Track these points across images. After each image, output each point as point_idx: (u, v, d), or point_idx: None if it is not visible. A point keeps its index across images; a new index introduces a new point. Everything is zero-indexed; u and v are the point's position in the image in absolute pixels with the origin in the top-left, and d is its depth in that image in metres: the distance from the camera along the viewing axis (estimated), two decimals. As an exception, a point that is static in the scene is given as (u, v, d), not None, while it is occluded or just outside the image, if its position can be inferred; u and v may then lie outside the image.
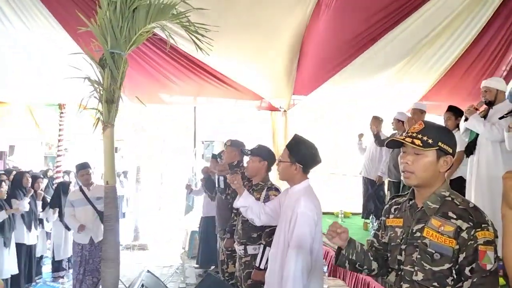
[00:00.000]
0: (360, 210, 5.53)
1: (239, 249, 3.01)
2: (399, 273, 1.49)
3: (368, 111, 5.71)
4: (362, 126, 5.94)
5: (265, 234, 2.76)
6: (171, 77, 5.58)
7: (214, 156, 5.26)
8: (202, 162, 9.19)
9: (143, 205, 9.27)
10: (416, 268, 1.41)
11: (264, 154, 3.09)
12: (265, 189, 2.91)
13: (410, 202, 1.52)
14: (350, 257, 1.58)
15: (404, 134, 1.52)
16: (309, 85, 5.30)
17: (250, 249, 2.92)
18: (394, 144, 1.51)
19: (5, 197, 4.34)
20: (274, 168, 2.78)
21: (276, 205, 2.48)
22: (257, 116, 7.20)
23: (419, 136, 1.42)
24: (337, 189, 6.71)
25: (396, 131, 5.01)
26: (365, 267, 1.61)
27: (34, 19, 4.43)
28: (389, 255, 1.57)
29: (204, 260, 5.57)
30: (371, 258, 1.62)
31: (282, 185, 2.88)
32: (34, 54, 5.01)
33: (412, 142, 1.41)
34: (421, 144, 1.40)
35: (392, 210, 1.60)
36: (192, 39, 3.18)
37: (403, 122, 4.83)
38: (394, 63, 4.85)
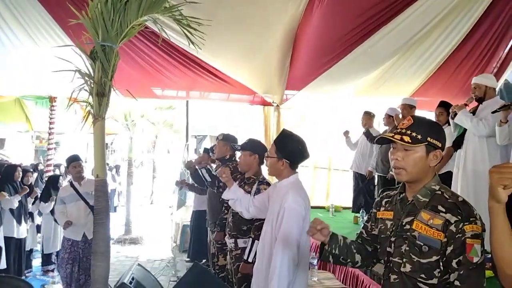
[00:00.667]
0: (351, 204, 5.59)
1: (229, 242, 3.03)
2: (388, 264, 1.52)
3: (361, 106, 5.75)
4: (354, 121, 5.98)
5: (254, 227, 2.78)
6: (164, 71, 5.55)
7: (205, 150, 5.26)
8: (195, 157, 9.18)
9: (135, 199, 9.24)
10: (404, 259, 1.44)
11: (255, 148, 3.10)
12: (256, 182, 2.93)
13: (401, 196, 1.54)
14: (333, 251, 1.60)
15: (393, 130, 1.54)
16: (302, 80, 5.31)
17: (241, 242, 2.94)
18: (384, 140, 1.53)
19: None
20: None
21: (265, 198, 2.48)
22: (250, 110, 7.20)
23: (408, 132, 1.44)
24: (328, 183, 6.76)
25: (387, 127, 5.06)
26: (348, 260, 1.64)
27: (24, 10, 4.37)
28: (378, 247, 1.60)
29: (195, 254, 5.58)
30: (354, 251, 1.65)
31: (274, 179, 2.89)
32: (23, 46, 4.94)
33: (401, 139, 1.43)
34: (410, 141, 1.42)
35: (383, 203, 1.63)
36: (184, 33, 3.16)
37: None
38: (386, 58, 4.89)
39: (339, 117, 6.90)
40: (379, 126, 5.73)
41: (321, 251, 1.64)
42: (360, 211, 4.79)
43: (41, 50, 4.91)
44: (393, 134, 1.46)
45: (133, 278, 2.77)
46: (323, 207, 5.74)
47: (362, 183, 5.37)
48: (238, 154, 3.64)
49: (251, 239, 2.76)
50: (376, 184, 5.31)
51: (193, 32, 3.18)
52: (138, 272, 2.98)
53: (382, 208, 1.61)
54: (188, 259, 5.79)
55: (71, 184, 4.16)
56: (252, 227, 2.81)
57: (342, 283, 3.07)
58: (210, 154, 4.56)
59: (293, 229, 2.11)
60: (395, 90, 5.79)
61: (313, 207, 5.87)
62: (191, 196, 6.35)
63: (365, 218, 4.24)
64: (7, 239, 4.57)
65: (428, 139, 1.43)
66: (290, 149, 2.28)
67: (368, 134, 5.30)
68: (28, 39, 4.78)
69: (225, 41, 4.70)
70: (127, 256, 6.44)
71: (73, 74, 2.98)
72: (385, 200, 1.63)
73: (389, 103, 5.68)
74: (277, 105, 6.26)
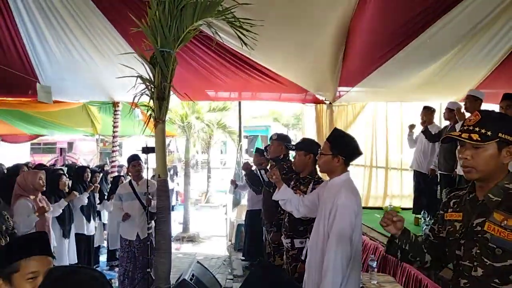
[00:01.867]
0: (410, 205, 5.33)
1: (286, 242, 3.03)
2: (457, 268, 1.44)
3: (419, 101, 5.47)
4: (413, 116, 5.70)
5: (311, 227, 2.76)
6: (217, 73, 5.69)
7: (258, 150, 5.32)
8: (246, 157, 9.33)
9: (191, 199, 9.58)
10: (475, 263, 1.35)
11: (309, 148, 3.09)
12: (312, 182, 2.91)
13: (470, 196, 1.45)
14: (403, 246, 1.55)
15: (459, 128, 1.44)
16: (356, 76, 5.15)
17: (297, 243, 2.93)
18: (450, 139, 1.44)
19: (66, 189, 4.64)
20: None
21: (315, 197, 2.50)
22: (302, 109, 7.15)
23: (476, 129, 1.35)
24: (386, 183, 6.49)
25: (448, 122, 4.77)
26: (417, 258, 1.57)
27: (89, 21, 4.70)
28: (446, 250, 1.52)
29: (251, 253, 5.65)
30: (425, 251, 1.58)
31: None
32: (89, 55, 5.32)
33: (469, 138, 1.34)
34: (479, 138, 1.33)
35: (451, 204, 1.54)
36: (238, 35, 3.21)
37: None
38: (447, 50, 4.57)
39: (396, 113, 6.62)
40: (441, 122, 5.40)
41: (389, 244, 1.59)
42: (422, 212, 4.54)
43: (105, 58, 5.27)
44: (460, 133, 1.38)
45: (193, 275, 2.88)
46: (380, 208, 5.54)
47: (423, 183, 5.08)
48: (292, 153, 3.64)
49: (308, 239, 2.74)
50: (439, 183, 5.00)
51: (245, 33, 3.24)
52: (197, 269, 3.09)
53: (450, 209, 1.53)
54: (243, 258, 5.89)
55: (130, 183, 4.38)
56: (308, 228, 2.79)
57: (404, 287, 2.93)
58: (265, 154, 4.59)
59: (346, 225, 2.12)
60: (456, 83, 5.43)
61: (370, 208, 5.74)
62: (245, 195, 6.45)
63: (428, 219, 4.03)
64: (78, 236, 4.94)
65: (500, 134, 1.32)
66: (345, 146, 2.30)
67: (427, 133, 4.99)
68: (93, 48, 5.15)
69: (276, 40, 4.70)
70: (185, 253, 6.68)
71: (135, 80, 3.17)
72: (453, 200, 1.54)
73: (450, 97, 5.36)
74: (330, 103, 6.16)
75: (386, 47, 4.33)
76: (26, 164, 6.35)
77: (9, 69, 5.35)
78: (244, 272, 5.46)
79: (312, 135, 6.19)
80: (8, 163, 7.33)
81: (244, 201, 6.76)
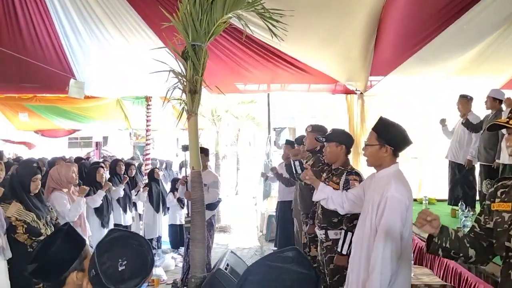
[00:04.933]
0: (446, 196, 5.18)
1: (320, 233, 3.02)
2: (508, 260, 1.39)
3: (457, 89, 5.26)
4: (449, 105, 5.49)
5: (346, 219, 2.73)
6: (245, 65, 5.69)
7: (288, 142, 5.31)
8: (274, 149, 9.33)
9: (222, 190, 9.68)
10: None
11: (340, 138, 3.04)
12: (345, 173, 2.87)
13: None
14: (444, 244, 1.51)
15: (507, 115, 1.38)
16: (389, 64, 5.01)
17: (332, 234, 2.92)
18: (496, 127, 1.38)
19: (104, 181, 4.82)
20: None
21: (360, 191, 2.40)
22: (331, 100, 7.05)
23: None
24: (420, 174, 6.32)
25: (490, 111, 4.57)
26: (461, 254, 1.53)
27: (122, 18, 4.83)
28: (494, 241, 1.47)
29: (282, 244, 5.67)
30: (468, 245, 1.52)
31: (363, 170, 2.80)
32: (122, 51, 5.47)
33: None
34: None
35: (499, 193, 1.48)
36: (268, 26, 3.20)
37: (499, 100, 4.37)
38: (487, 34, 4.36)
39: (431, 102, 6.40)
40: (481, 111, 5.16)
41: (428, 243, 1.55)
42: (459, 204, 4.40)
43: (137, 54, 5.39)
44: (508, 119, 1.32)
45: (227, 264, 2.93)
46: (415, 200, 5.40)
47: (459, 174, 4.91)
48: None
49: (343, 231, 2.72)
50: (479, 174, 4.82)
51: (275, 24, 3.22)
52: (231, 258, 3.14)
53: (498, 200, 1.47)
54: (275, 248, 5.93)
55: None
56: (343, 219, 2.77)
57: (442, 279, 2.85)
58: (299, 146, 4.57)
59: (396, 219, 2.02)
60: (497, 69, 5.17)
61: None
62: (275, 187, 6.47)
63: (466, 211, 3.90)
64: (116, 226, 5.14)
65: None
66: (393, 135, 2.18)
67: (468, 124, 4.80)
68: (125, 43, 5.28)
69: (305, 29, 4.64)
70: (218, 243, 6.79)
71: (168, 74, 3.23)
72: (501, 190, 1.48)
73: (491, 84, 5.10)
74: (361, 93, 6.03)
75: (421, 33, 4.18)
76: (62, 158, 6.64)
77: (48, 67, 5.59)
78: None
79: (341, 126, 6.09)
80: (47, 157, 7.71)
81: (274, 193, 6.78)
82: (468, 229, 1.57)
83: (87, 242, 1.63)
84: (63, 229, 1.49)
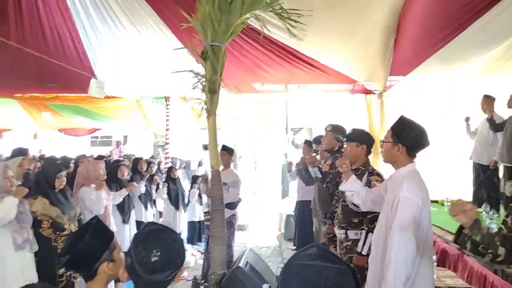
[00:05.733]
0: (469, 198, 5.06)
1: (339, 233, 3.00)
2: None
3: (480, 88, 5.13)
4: (471, 106, 5.38)
5: (367, 220, 2.71)
6: (263, 66, 5.70)
7: (306, 142, 5.29)
8: (292, 149, 9.31)
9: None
10: None
11: (361, 138, 3.02)
12: (366, 174, 2.85)
13: None
14: (474, 237, 1.48)
15: None
16: (409, 63, 4.92)
17: (352, 234, 2.90)
18: None
19: (126, 178, 4.93)
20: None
21: (382, 191, 2.41)
22: (350, 100, 6.97)
23: None
24: (442, 175, 6.19)
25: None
26: (489, 251, 1.49)
27: (142, 19, 4.90)
28: None
29: (301, 243, 5.68)
30: (498, 243, 1.49)
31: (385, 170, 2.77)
32: (142, 51, 5.56)
33: None
34: None
35: None
36: (286, 26, 3.19)
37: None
38: (512, 32, 4.23)
39: (452, 102, 6.26)
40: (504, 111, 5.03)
41: (458, 234, 1.53)
42: (483, 206, 4.30)
43: (156, 54, 5.47)
44: None
45: (247, 262, 2.94)
46: (436, 201, 5.30)
47: (483, 175, 4.80)
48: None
49: (364, 231, 2.70)
50: (502, 175, 4.70)
51: (293, 24, 3.21)
52: (250, 256, 3.15)
53: None
54: (294, 247, 5.92)
55: None
56: (364, 219, 2.74)
57: (466, 282, 2.79)
58: (314, 146, 4.55)
59: (408, 219, 2.02)
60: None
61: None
62: (293, 186, 6.46)
63: (490, 213, 3.81)
64: (138, 223, 5.22)
65: None
66: (407, 134, 2.19)
67: (491, 122, 4.69)
68: (145, 44, 5.36)
69: (322, 29, 4.60)
70: (236, 241, 6.83)
71: (187, 74, 3.27)
72: None
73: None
74: (380, 93, 5.95)
75: (443, 31, 4.09)
76: (84, 156, 6.80)
77: (69, 67, 5.73)
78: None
79: (360, 126, 6.03)
80: (70, 156, 7.89)
81: (292, 192, 6.77)
82: (497, 230, 1.53)
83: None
84: (92, 223, 1.55)
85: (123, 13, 4.88)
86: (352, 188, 2.57)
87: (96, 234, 1.50)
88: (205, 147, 4.37)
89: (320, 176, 3.66)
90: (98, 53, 5.77)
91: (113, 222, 4.25)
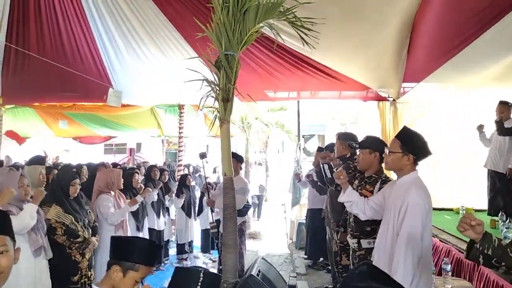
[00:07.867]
0: (484, 206, 4.97)
1: (352, 242, 2.98)
2: None
3: (495, 95, 5.07)
4: (485, 113, 5.31)
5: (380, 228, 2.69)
6: (275, 73, 5.74)
7: (319, 149, 5.28)
8: (304, 156, 9.30)
9: (251, 197, 9.74)
10: None
11: (374, 146, 3.01)
12: (379, 181, 2.84)
13: None
14: (486, 251, 1.47)
15: None
16: (423, 70, 4.89)
17: (365, 243, 2.88)
18: None
19: (139, 186, 4.99)
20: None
21: (380, 198, 2.48)
22: (363, 107, 6.96)
23: None
24: (457, 182, 6.10)
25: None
26: (502, 264, 1.48)
27: (157, 29, 5.01)
28: None
29: (313, 252, 5.64)
30: (511, 255, 1.47)
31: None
32: (157, 60, 5.66)
33: None
34: None
35: None
36: (300, 35, 3.22)
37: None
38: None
39: (467, 109, 6.19)
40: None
41: (469, 249, 1.53)
42: (499, 214, 4.21)
43: (171, 63, 5.57)
44: None
45: (259, 271, 2.94)
46: (450, 209, 5.22)
47: (499, 183, 4.71)
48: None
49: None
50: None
51: (307, 33, 3.24)
52: (262, 265, 3.15)
53: None
54: (305, 256, 5.88)
55: None
56: (376, 228, 2.73)
57: (482, 293, 2.74)
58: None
59: (417, 224, 2.09)
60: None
61: (438, 209, 5.42)
62: (305, 194, 6.44)
63: (507, 222, 3.73)
64: (150, 231, 5.28)
65: None
66: (415, 145, 2.27)
67: (499, 125, 4.64)
68: (160, 53, 5.47)
69: (336, 36, 4.62)
70: (247, 250, 6.82)
71: (201, 83, 3.31)
72: None
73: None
74: (393, 100, 5.92)
75: (457, 38, 4.07)
76: (103, 164, 6.90)
77: (87, 76, 5.87)
78: (306, 270, 5.46)
79: (373, 133, 6.00)
80: (84, 163, 8.01)
81: (303, 200, 6.75)
82: (510, 240, 1.51)
83: None
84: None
85: (140, 24, 5.01)
86: (350, 199, 2.64)
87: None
88: (202, 156, 4.42)
89: (329, 175, 3.68)
90: (115, 63, 5.91)
91: (130, 230, 4.29)
